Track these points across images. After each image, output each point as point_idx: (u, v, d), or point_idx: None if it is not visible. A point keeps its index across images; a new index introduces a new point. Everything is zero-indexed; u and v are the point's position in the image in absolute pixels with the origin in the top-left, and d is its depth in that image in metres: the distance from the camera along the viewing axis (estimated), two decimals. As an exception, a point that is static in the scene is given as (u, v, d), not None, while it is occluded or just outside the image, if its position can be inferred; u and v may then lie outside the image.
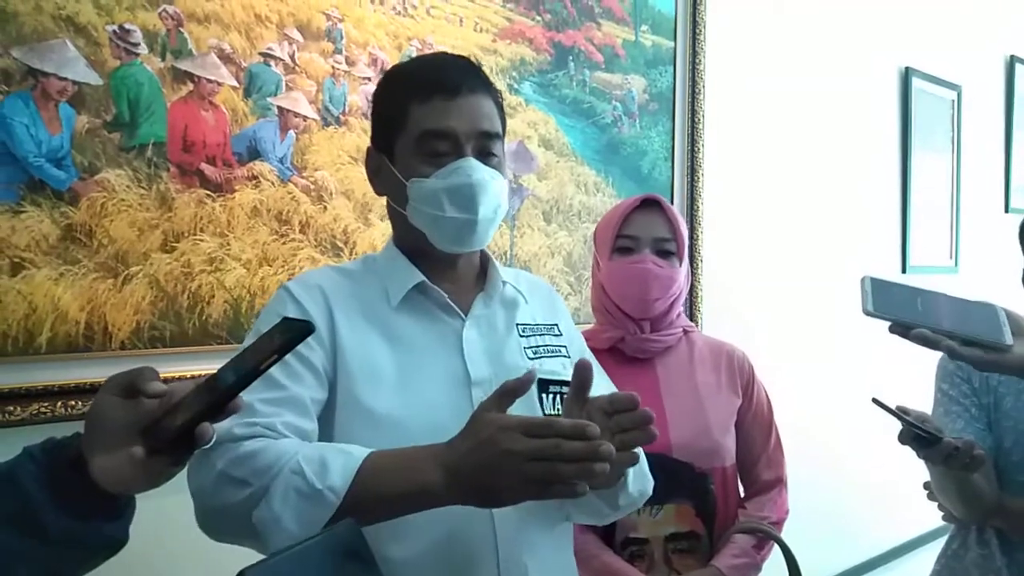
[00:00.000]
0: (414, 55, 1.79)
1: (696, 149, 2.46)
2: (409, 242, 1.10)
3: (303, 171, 1.65)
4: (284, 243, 1.61)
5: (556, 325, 1.19)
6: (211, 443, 0.72)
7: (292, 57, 1.63)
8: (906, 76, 3.38)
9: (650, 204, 1.50)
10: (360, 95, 1.73)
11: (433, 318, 1.08)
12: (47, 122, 1.34)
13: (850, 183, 3.10)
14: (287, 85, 1.62)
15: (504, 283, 1.14)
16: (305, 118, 1.65)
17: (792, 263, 2.83)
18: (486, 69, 1.14)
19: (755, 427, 1.56)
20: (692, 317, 2.41)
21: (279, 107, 1.61)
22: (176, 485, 0.77)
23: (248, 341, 0.91)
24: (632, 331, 1.50)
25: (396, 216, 1.12)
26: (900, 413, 1.25)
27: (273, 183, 1.60)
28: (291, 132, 1.63)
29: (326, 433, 1.01)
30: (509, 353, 1.09)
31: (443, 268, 1.10)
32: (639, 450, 1.11)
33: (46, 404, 1.35)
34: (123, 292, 1.42)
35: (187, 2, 1.49)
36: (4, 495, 0.70)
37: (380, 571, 0.78)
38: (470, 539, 1.01)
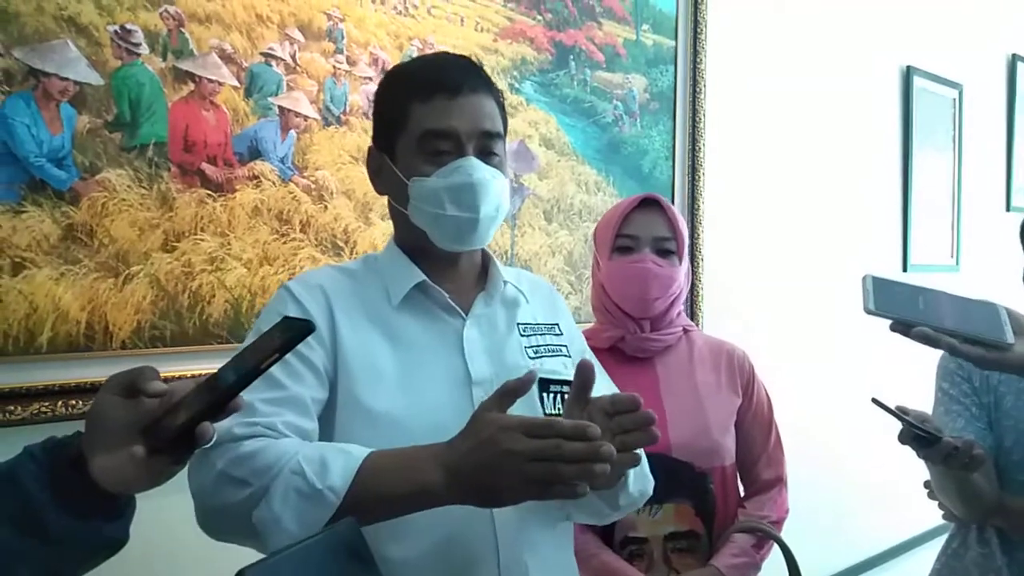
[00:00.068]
0: (415, 55, 1.79)
1: (697, 148, 2.46)
2: (410, 241, 1.10)
3: (304, 171, 1.65)
4: (285, 243, 1.62)
5: (557, 325, 1.19)
6: (212, 442, 0.72)
7: (293, 57, 1.63)
8: (907, 75, 3.37)
9: (650, 203, 1.50)
10: (361, 95, 1.73)
11: (434, 317, 1.08)
12: (48, 122, 1.34)
13: (851, 182, 3.10)
14: (288, 85, 1.62)
15: (505, 282, 1.14)
16: (306, 118, 1.65)
17: (793, 262, 2.83)
18: (487, 69, 1.14)
19: (755, 426, 1.56)
20: (693, 316, 2.41)
21: (280, 107, 1.61)
22: (176, 485, 0.77)
23: (249, 340, 0.91)
24: (632, 330, 1.50)
25: (397, 215, 1.12)
26: (900, 413, 1.25)
27: (274, 183, 1.60)
28: (292, 132, 1.63)
29: (326, 433, 1.01)
30: (510, 352, 1.10)
31: (444, 267, 1.10)
32: (640, 451, 1.11)
33: (47, 403, 1.35)
34: (124, 292, 1.42)
35: (188, 2, 1.49)
36: (5, 494, 0.70)
37: (380, 571, 0.78)
38: (471, 539, 1.01)
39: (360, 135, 1.72)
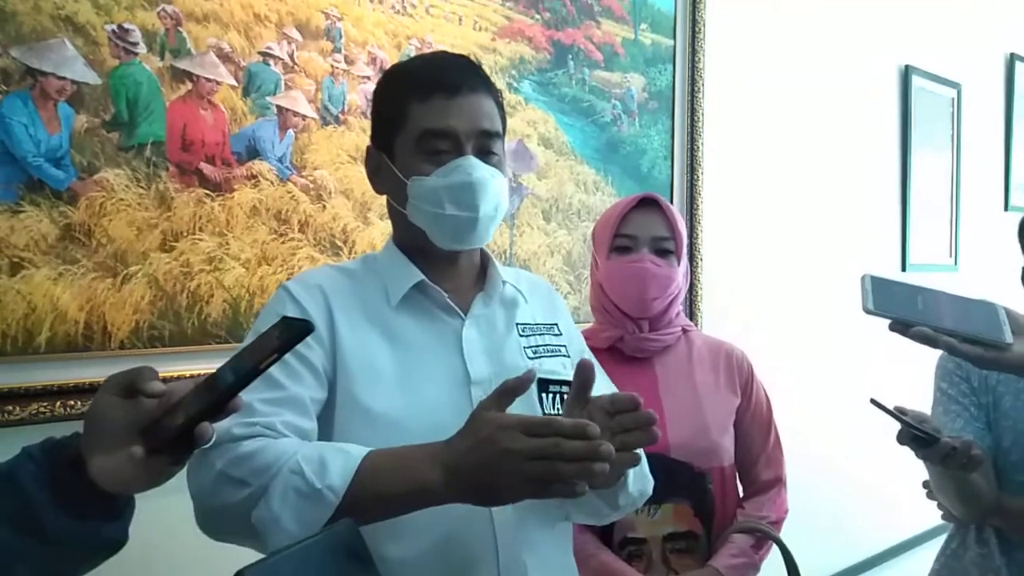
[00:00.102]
0: (413, 54, 1.79)
1: (695, 148, 2.46)
2: (409, 241, 1.10)
3: (302, 170, 1.64)
4: (283, 242, 1.61)
5: (556, 324, 1.19)
6: (211, 443, 0.72)
7: (291, 56, 1.63)
8: (906, 74, 3.37)
9: (648, 203, 1.50)
10: (359, 94, 1.73)
11: (433, 317, 1.08)
12: (46, 122, 1.34)
13: (850, 181, 3.10)
14: (286, 84, 1.62)
15: (504, 283, 1.14)
16: (304, 117, 1.65)
17: (792, 262, 2.83)
18: (485, 68, 1.14)
19: (754, 426, 1.56)
20: (692, 316, 2.41)
21: (278, 106, 1.61)
22: (175, 485, 0.77)
23: (248, 341, 0.91)
24: (631, 330, 1.50)
25: (396, 215, 1.12)
26: (898, 414, 1.25)
27: (272, 182, 1.60)
28: (290, 131, 1.63)
29: (325, 433, 1.01)
30: (509, 353, 1.09)
31: (443, 267, 1.10)
32: (639, 450, 1.11)
33: (45, 404, 1.35)
34: (122, 291, 1.42)
35: (186, 1, 1.49)
36: (3, 495, 0.70)
37: (378, 571, 0.78)
38: (470, 539, 1.01)
39: (358, 134, 1.72)
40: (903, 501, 2.31)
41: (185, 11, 1.49)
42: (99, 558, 0.76)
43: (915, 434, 1.25)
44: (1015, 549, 1.47)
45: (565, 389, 1.06)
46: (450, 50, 1.63)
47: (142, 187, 1.44)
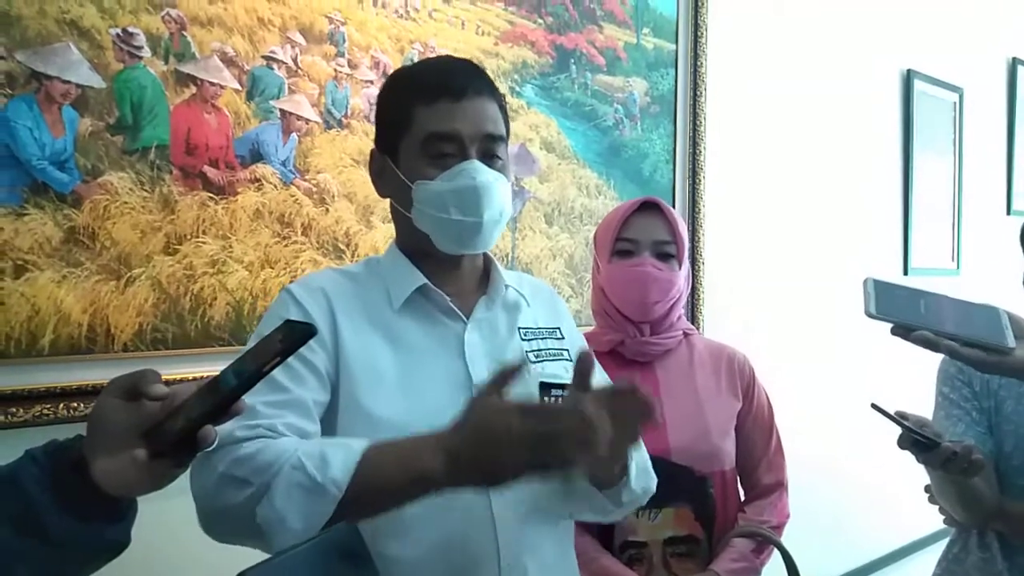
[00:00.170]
0: (416, 58, 1.79)
1: (698, 152, 2.47)
2: (412, 244, 1.11)
3: (305, 174, 1.65)
4: (286, 245, 1.62)
5: (558, 328, 1.19)
6: (213, 446, 0.72)
7: (295, 60, 1.64)
8: (908, 78, 3.38)
9: (650, 207, 1.50)
10: (362, 98, 1.73)
11: (435, 321, 1.09)
12: (50, 125, 1.35)
13: (852, 185, 3.10)
14: (289, 88, 1.63)
15: (507, 286, 1.15)
16: (307, 121, 1.65)
17: (794, 265, 2.83)
18: (488, 72, 1.14)
19: (755, 430, 1.55)
20: (693, 319, 2.41)
21: (281, 110, 1.62)
22: (178, 488, 0.77)
23: (251, 344, 0.91)
24: (632, 334, 1.50)
25: (400, 218, 1.12)
26: (898, 418, 1.25)
27: (275, 186, 1.61)
28: (293, 135, 1.63)
29: (328, 435, 1.01)
30: (511, 356, 1.09)
31: (446, 270, 1.10)
32: (643, 447, 1.12)
33: (48, 406, 1.35)
34: (126, 294, 1.43)
35: (190, 5, 1.49)
36: (6, 497, 0.71)
37: (378, 572, 0.78)
38: (471, 540, 1.02)
39: (361, 138, 1.72)
40: (905, 504, 2.31)
41: (189, 15, 1.49)
42: (101, 560, 0.76)
43: (916, 438, 1.25)
44: (1017, 553, 1.47)
45: (567, 392, 1.06)
46: (453, 54, 1.63)
47: (146, 190, 1.45)
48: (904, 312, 0.98)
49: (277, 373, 0.85)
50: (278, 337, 0.72)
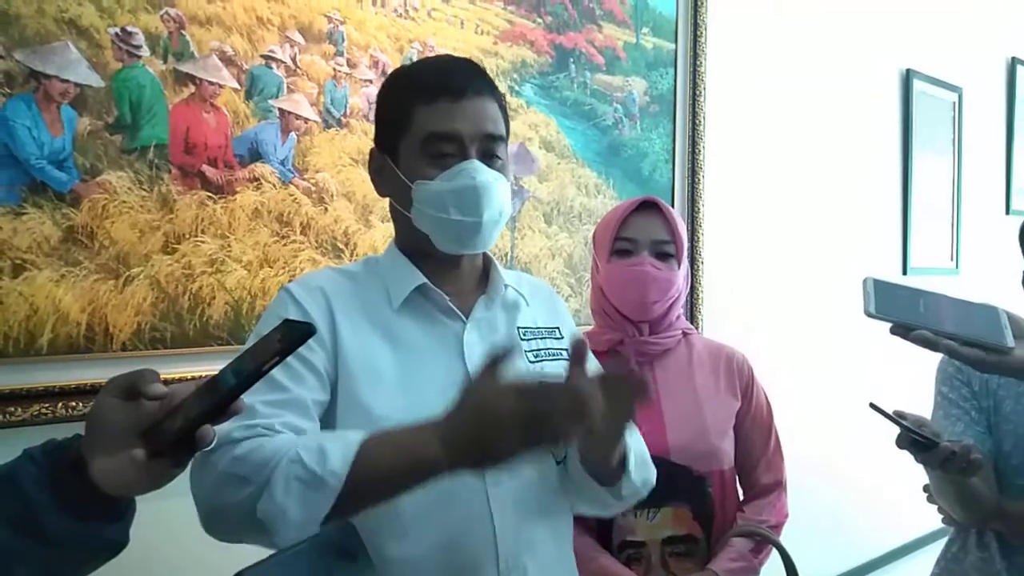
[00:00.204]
0: (415, 58, 1.79)
1: (697, 151, 2.47)
2: (412, 243, 1.11)
3: (304, 173, 1.65)
4: (285, 245, 1.62)
5: (557, 328, 1.19)
6: (212, 445, 0.72)
7: (293, 59, 1.63)
8: (907, 78, 3.38)
9: (649, 206, 1.50)
10: (361, 97, 1.73)
11: (434, 320, 1.09)
12: (49, 124, 1.35)
13: (851, 185, 3.10)
14: (288, 87, 1.63)
15: (506, 286, 1.15)
16: (306, 120, 1.65)
17: (793, 265, 2.84)
18: (488, 71, 1.14)
19: (754, 430, 1.55)
20: (693, 319, 2.42)
21: (280, 109, 1.62)
22: (176, 488, 0.77)
23: (249, 343, 0.91)
24: (631, 334, 1.50)
25: (399, 217, 1.12)
26: (897, 418, 1.24)
27: (274, 185, 1.61)
28: (292, 134, 1.63)
29: (327, 433, 1.01)
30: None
31: (445, 270, 1.10)
32: (641, 440, 1.12)
33: (47, 405, 1.35)
34: (124, 293, 1.42)
35: (189, 5, 1.49)
36: (4, 496, 0.70)
37: (375, 571, 0.78)
38: (470, 540, 1.02)
39: (360, 137, 1.72)
40: (903, 504, 2.31)
41: (188, 14, 1.49)
42: (100, 560, 0.76)
43: (914, 438, 1.25)
44: (1016, 553, 1.47)
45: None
46: (452, 53, 1.63)
47: (145, 189, 1.45)
48: (903, 311, 0.98)
49: (276, 372, 0.85)
50: (277, 336, 0.72)
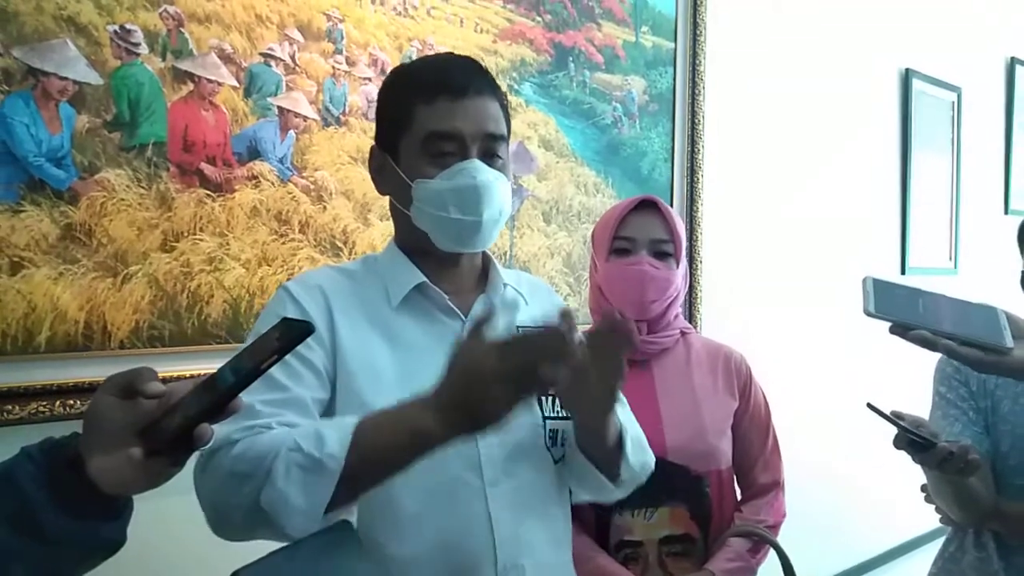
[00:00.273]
0: (414, 56, 1.79)
1: (696, 150, 2.47)
2: (411, 242, 1.10)
3: (303, 171, 1.65)
4: (284, 243, 1.62)
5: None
6: (210, 444, 0.72)
7: (292, 57, 1.63)
8: (906, 78, 3.38)
9: (647, 205, 1.50)
10: (360, 95, 1.73)
11: (433, 319, 1.09)
12: (47, 122, 1.34)
13: (850, 184, 3.10)
14: (287, 85, 1.62)
15: (505, 285, 1.15)
16: (305, 118, 1.65)
17: (792, 264, 2.84)
18: (489, 70, 1.14)
19: (752, 430, 1.55)
20: (691, 318, 2.42)
21: (279, 107, 1.61)
22: (174, 487, 0.77)
23: (248, 341, 0.91)
24: (630, 333, 1.50)
25: (399, 216, 1.12)
26: (894, 418, 1.24)
27: (273, 183, 1.60)
28: (291, 132, 1.63)
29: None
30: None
31: (445, 269, 1.10)
32: (636, 424, 1.12)
33: (45, 403, 1.35)
34: (122, 291, 1.42)
35: (188, 2, 1.49)
36: (2, 495, 0.70)
37: (371, 567, 0.78)
38: (469, 539, 1.02)
39: (359, 136, 1.72)
40: (901, 504, 2.31)
41: (187, 12, 1.49)
42: (97, 559, 0.76)
43: (912, 438, 1.25)
44: (1013, 553, 1.47)
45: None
46: (452, 52, 1.63)
47: (143, 187, 1.44)
48: (902, 311, 0.98)
49: (275, 371, 0.85)
50: (275, 335, 0.71)
